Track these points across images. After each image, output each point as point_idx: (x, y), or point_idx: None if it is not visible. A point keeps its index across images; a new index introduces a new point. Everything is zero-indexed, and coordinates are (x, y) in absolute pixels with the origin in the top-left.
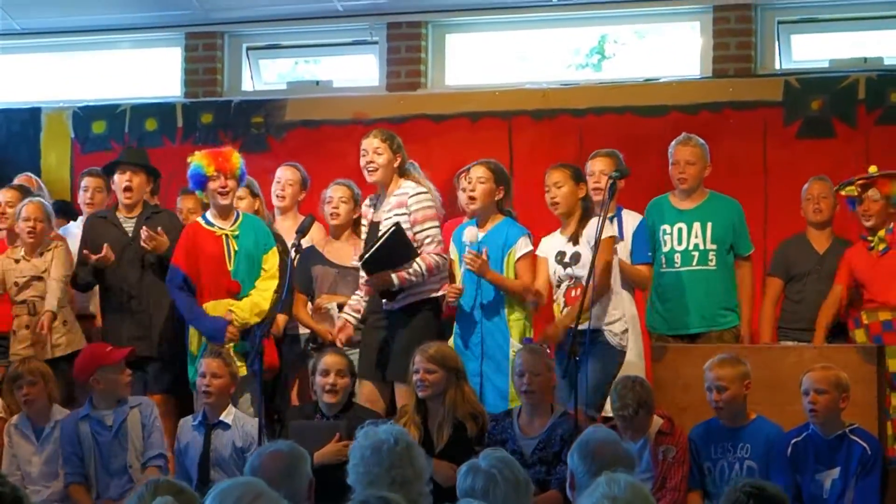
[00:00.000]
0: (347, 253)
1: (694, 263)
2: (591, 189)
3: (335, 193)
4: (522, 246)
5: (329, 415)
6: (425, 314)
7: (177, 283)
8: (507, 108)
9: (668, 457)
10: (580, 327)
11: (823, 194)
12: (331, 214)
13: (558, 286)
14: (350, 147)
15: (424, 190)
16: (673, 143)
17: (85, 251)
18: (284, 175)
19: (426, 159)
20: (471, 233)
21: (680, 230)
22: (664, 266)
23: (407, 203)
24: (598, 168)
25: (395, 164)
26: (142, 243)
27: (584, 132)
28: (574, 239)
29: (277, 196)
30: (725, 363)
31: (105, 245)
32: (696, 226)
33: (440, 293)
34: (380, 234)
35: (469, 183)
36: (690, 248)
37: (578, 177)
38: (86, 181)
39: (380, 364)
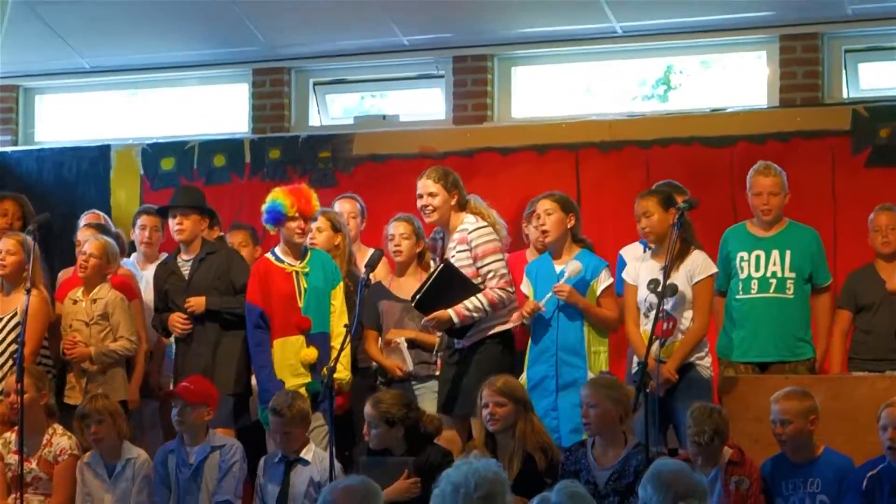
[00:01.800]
0: (413, 287)
1: (771, 291)
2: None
3: (396, 230)
4: (605, 278)
5: (398, 452)
6: (492, 348)
7: (254, 320)
8: (573, 140)
9: (740, 488)
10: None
11: (892, 225)
12: (394, 252)
13: (646, 314)
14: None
15: (485, 224)
16: (751, 172)
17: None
18: (343, 208)
19: (493, 192)
20: (574, 267)
21: (758, 257)
22: (740, 293)
23: (468, 239)
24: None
25: (453, 202)
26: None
27: (650, 163)
28: (668, 269)
29: None
30: (791, 396)
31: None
32: (775, 253)
33: (508, 326)
34: (431, 272)
35: (538, 219)
36: (768, 275)
37: (668, 203)
38: (142, 220)
39: (452, 400)
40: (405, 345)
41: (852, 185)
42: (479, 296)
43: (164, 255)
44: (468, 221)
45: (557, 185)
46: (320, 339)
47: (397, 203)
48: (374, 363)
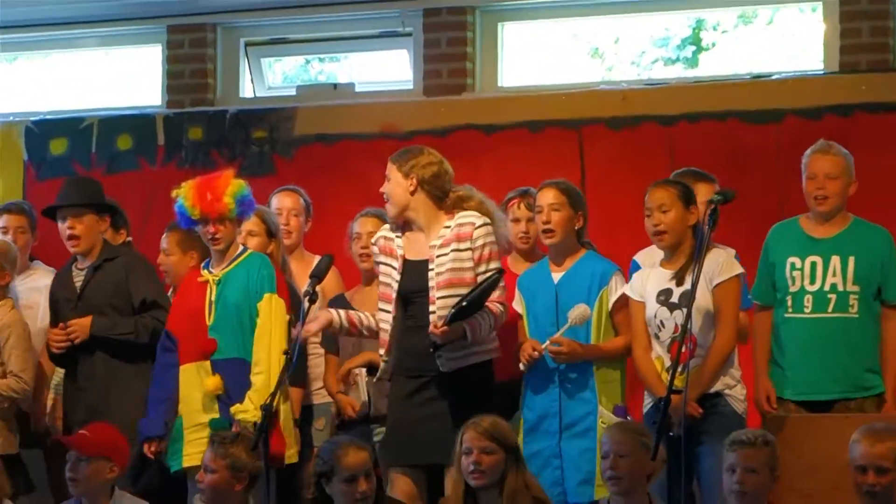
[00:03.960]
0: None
1: (830, 309)
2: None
3: (364, 228)
4: (617, 286)
5: None
6: (477, 380)
7: (162, 343)
8: (576, 115)
9: None
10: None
11: None
12: (361, 255)
13: (657, 335)
14: (378, 168)
15: (488, 221)
16: (808, 151)
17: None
18: (283, 203)
19: (474, 181)
20: (579, 314)
21: (813, 265)
22: (790, 310)
23: (472, 236)
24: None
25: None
26: (51, 348)
27: (675, 144)
28: (681, 276)
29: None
30: (886, 436)
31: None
32: (835, 260)
33: (495, 355)
34: (485, 277)
35: (540, 212)
36: (826, 288)
37: (689, 198)
38: (3, 220)
39: (418, 445)
40: (365, 376)
41: None
42: (486, 311)
43: (37, 265)
44: (469, 216)
45: (556, 172)
46: (229, 367)
47: (351, 197)
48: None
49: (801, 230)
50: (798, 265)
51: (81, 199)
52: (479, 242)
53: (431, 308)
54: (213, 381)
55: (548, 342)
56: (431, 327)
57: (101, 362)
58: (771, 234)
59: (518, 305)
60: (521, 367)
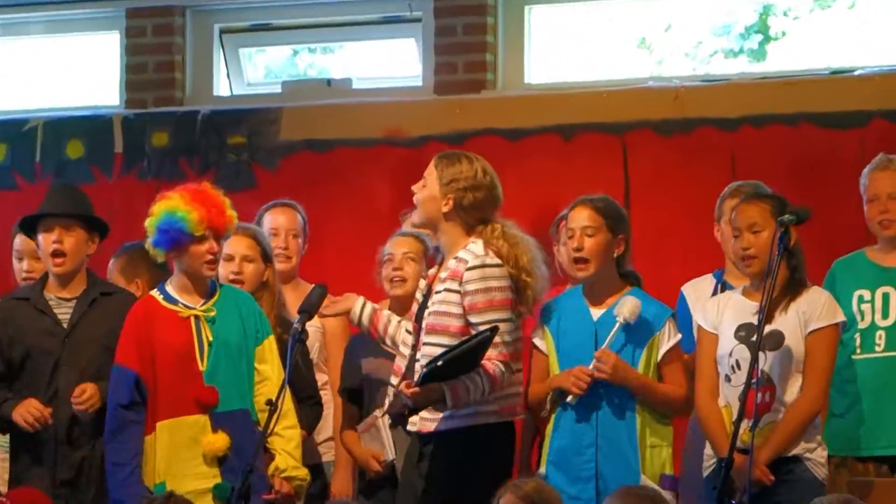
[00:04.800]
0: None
1: None
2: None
3: (398, 249)
4: (670, 334)
5: None
6: (491, 442)
7: (125, 391)
8: (619, 117)
9: None
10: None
11: None
12: (393, 280)
13: (728, 377)
14: (380, 180)
15: (495, 262)
16: (867, 169)
17: None
18: (279, 222)
19: None
20: (631, 306)
21: (885, 297)
22: (858, 350)
23: (462, 277)
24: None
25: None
26: (75, 408)
27: (737, 153)
28: (771, 312)
29: (275, 256)
30: None
31: (33, 407)
32: None
33: (508, 417)
34: (474, 334)
35: (571, 237)
36: None
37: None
38: None
39: None
40: (386, 422)
41: None
42: (480, 371)
43: None
44: (469, 251)
45: (593, 186)
46: (235, 420)
47: (348, 216)
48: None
49: (868, 260)
50: (867, 298)
51: (74, 208)
52: (470, 288)
53: (417, 355)
54: (220, 440)
55: (593, 362)
56: (403, 385)
57: (85, 436)
58: (834, 268)
59: (541, 340)
60: (545, 412)
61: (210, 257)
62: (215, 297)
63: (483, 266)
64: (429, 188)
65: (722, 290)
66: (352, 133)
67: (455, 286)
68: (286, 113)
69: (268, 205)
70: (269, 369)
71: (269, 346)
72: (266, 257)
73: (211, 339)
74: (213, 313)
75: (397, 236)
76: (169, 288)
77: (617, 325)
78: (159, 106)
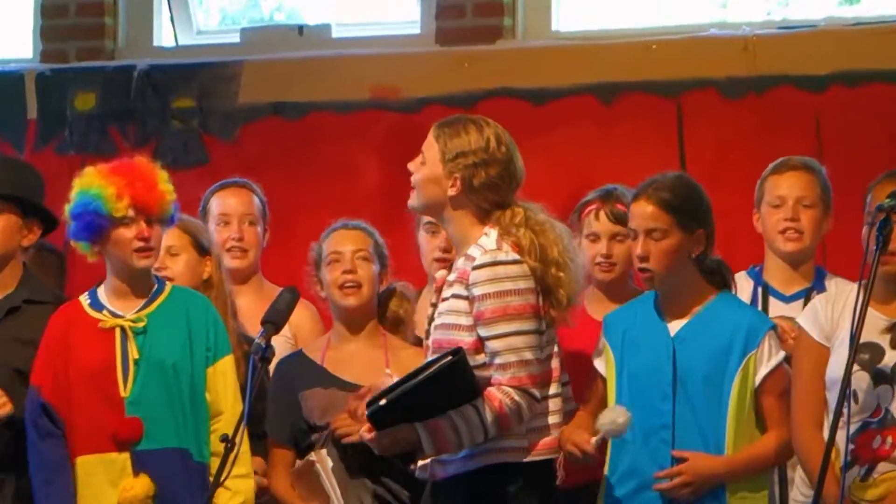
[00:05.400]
0: (373, 360)
1: None
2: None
3: (345, 246)
4: (770, 353)
5: None
6: (518, 485)
7: (34, 418)
8: (672, 75)
9: None
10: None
11: None
12: (344, 286)
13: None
14: (367, 154)
15: (510, 258)
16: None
17: None
18: (229, 206)
19: None
20: (612, 422)
21: None
22: None
23: (469, 279)
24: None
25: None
26: None
27: (822, 116)
28: None
29: (227, 250)
30: None
31: None
32: None
33: (545, 456)
34: (428, 362)
35: (634, 238)
36: None
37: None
38: None
39: None
40: (328, 464)
41: None
42: (480, 403)
43: None
44: (479, 246)
45: (641, 162)
46: (163, 462)
47: (325, 198)
48: None
49: None
50: None
51: (9, 188)
52: (478, 292)
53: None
54: (139, 485)
55: (657, 477)
56: (364, 429)
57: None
58: None
59: (601, 361)
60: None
61: (140, 244)
62: (156, 303)
63: (494, 264)
64: (429, 166)
65: (763, 295)
66: (330, 94)
67: (462, 291)
68: (247, 68)
69: (215, 185)
70: (222, 398)
71: (224, 367)
72: (200, 248)
73: (137, 356)
74: (142, 324)
75: (339, 229)
76: (99, 292)
77: (598, 436)
78: (84, 60)
